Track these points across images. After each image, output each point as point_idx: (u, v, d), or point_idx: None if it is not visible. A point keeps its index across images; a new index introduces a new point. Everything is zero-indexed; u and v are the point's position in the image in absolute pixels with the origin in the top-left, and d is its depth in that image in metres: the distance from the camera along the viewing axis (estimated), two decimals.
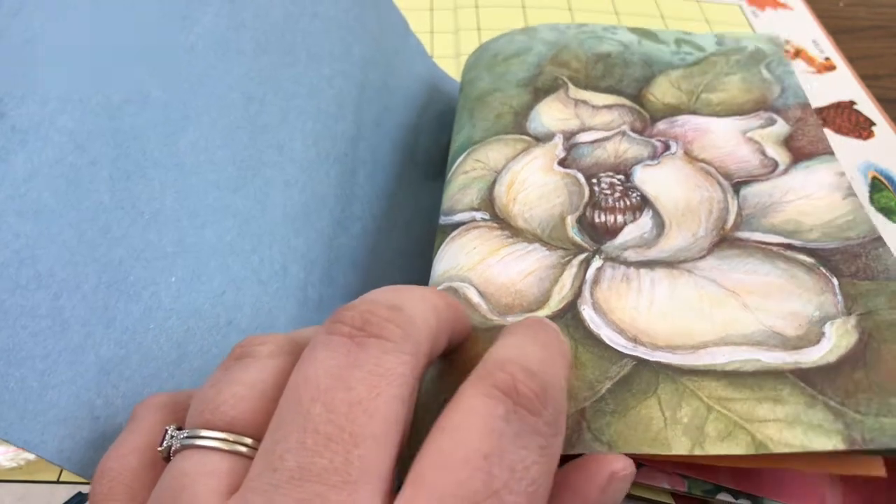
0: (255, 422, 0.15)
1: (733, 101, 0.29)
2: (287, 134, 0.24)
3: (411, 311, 0.16)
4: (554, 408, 0.15)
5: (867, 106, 0.41)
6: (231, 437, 0.15)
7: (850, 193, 0.24)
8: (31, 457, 0.28)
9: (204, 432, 0.15)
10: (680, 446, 0.18)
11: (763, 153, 0.27)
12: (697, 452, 0.18)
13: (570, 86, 0.31)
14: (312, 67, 0.25)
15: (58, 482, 0.27)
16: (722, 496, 0.21)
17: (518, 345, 0.17)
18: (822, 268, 0.22)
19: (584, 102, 0.30)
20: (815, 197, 0.25)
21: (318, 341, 0.15)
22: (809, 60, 0.45)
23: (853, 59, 0.45)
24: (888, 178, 0.35)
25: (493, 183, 0.27)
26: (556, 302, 0.22)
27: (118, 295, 0.19)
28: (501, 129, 0.29)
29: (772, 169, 0.26)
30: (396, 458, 0.14)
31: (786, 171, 0.26)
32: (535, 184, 0.27)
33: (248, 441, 0.15)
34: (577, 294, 0.22)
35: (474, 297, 0.23)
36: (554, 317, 0.22)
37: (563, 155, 0.28)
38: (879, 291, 0.21)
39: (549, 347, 0.17)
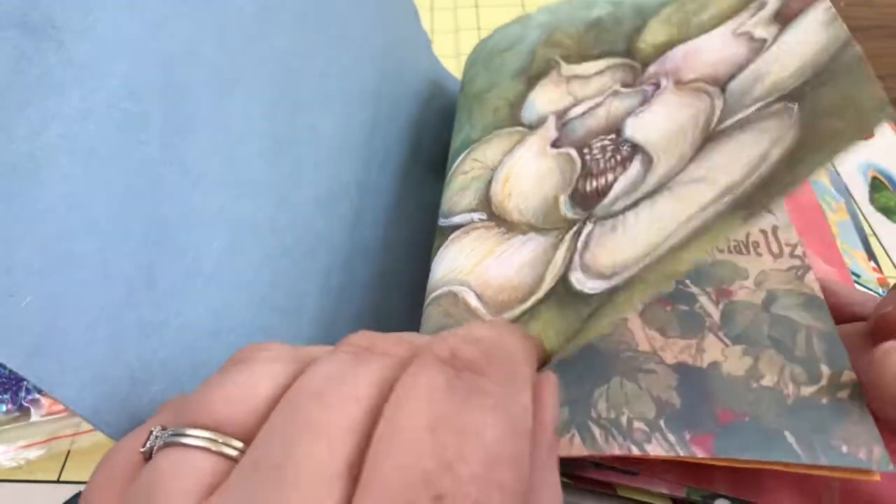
0: (246, 425, 0.14)
1: (724, 9, 0.27)
2: (319, 115, 0.24)
3: (420, 341, 0.15)
4: (503, 366, 0.14)
5: None
6: (219, 437, 0.14)
7: (833, 21, 0.22)
8: (32, 456, 0.27)
9: (190, 430, 0.14)
10: (629, 308, 0.18)
11: (751, 38, 0.25)
12: (643, 300, 0.18)
13: (563, 64, 0.30)
14: (342, 49, 0.26)
15: (58, 482, 0.27)
16: (719, 503, 0.21)
17: (466, 327, 0.16)
18: (788, 102, 0.21)
19: (576, 77, 0.29)
20: (797, 48, 0.23)
21: (323, 357, 0.15)
22: None
23: None
24: (888, 177, 0.36)
25: (490, 181, 0.26)
26: (548, 282, 0.22)
27: (161, 255, 0.18)
28: (498, 124, 0.29)
29: (759, 49, 0.24)
30: None
31: (773, 41, 0.24)
32: (529, 173, 0.26)
33: (238, 444, 0.14)
34: (568, 265, 0.22)
35: (473, 301, 0.22)
36: (546, 297, 0.21)
37: (555, 136, 0.27)
38: (832, 84, 0.20)
39: (502, 327, 0.16)
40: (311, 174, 0.24)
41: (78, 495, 0.27)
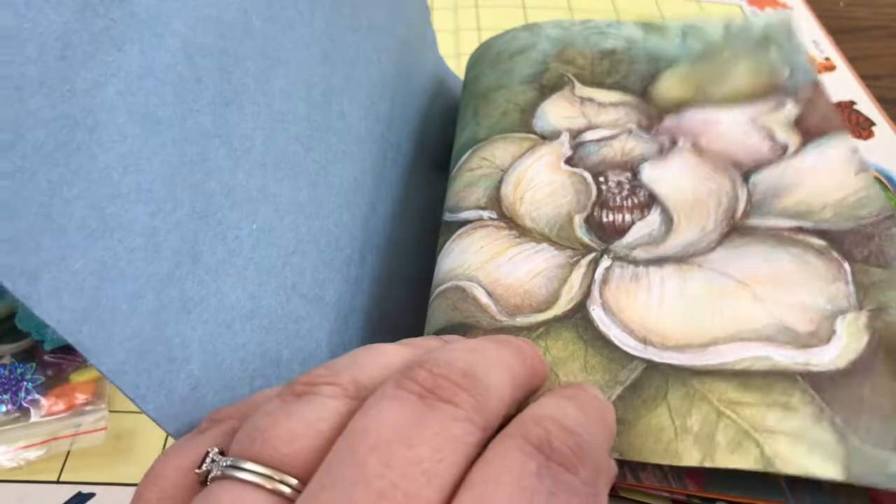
0: (305, 463, 0.14)
1: (741, 91, 0.28)
2: (348, 102, 0.24)
3: (487, 381, 0.15)
4: (593, 466, 0.14)
5: (867, 106, 0.41)
6: (276, 475, 0.13)
7: (863, 169, 0.24)
8: (32, 457, 0.26)
9: (249, 465, 0.14)
10: (690, 458, 0.18)
11: (772, 138, 0.26)
12: (707, 464, 0.18)
13: (576, 83, 0.30)
14: (369, 38, 0.26)
15: (58, 482, 0.26)
16: None
17: (555, 404, 0.16)
18: (833, 251, 0.22)
19: (590, 100, 0.29)
20: (826, 175, 0.24)
21: (386, 393, 0.14)
22: (809, 61, 0.46)
23: (853, 59, 0.45)
24: (888, 178, 0.37)
25: (500, 182, 0.26)
26: (564, 302, 0.22)
27: (206, 229, 0.18)
28: (507, 127, 0.29)
29: (782, 152, 0.25)
30: None
31: (796, 152, 0.25)
32: (542, 182, 0.26)
33: (293, 482, 0.14)
34: (587, 294, 0.22)
35: (483, 298, 0.22)
36: (563, 317, 0.21)
37: (569, 153, 0.27)
38: (892, 282, 0.21)
39: (588, 409, 0.16)
40: (339, 162, 0.24)
41: (78, 495, 0.26)
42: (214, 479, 0.14)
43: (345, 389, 0.15)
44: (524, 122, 0.29)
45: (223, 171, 0.18)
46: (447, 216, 0.26)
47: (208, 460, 0.14)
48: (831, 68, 0.45)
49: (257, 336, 0.20)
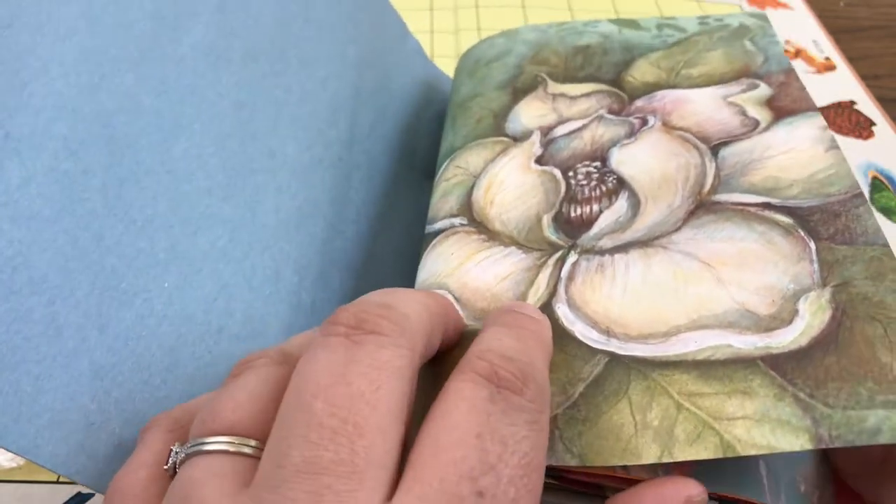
0: (256, 424, 0.15)
1: (714, 72, 0.28)
2: (278, 140, 0.25)
3: (403, 309, 0.16)
4: (535, 386, 0.16)
5: (867, 106, 0.41)
6: (236, 439, 0.15)
7: (833, 146, 0.23)
8: None
9: (208, 439, 0.15)
10: (649, 454, 0.17)
11: (744, 114, 0.26)
12: (666, 460, 0.17)
13: (549, 81, 0.30)
14: (305, 72, 0.26)
15: (58, 482, 0.27)
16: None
17: (494, 336, 0.17)
18: (800, 230, 0.21)
19: (562, 95, 0.29)
20: (796, 151, 0.24)
21: (316, 343, 0.15)
22: (809, 60, 0.45)
23: (853, 59, 0.45)
24: (888, 178, 0.35)
25: (472, 187, 0.26)
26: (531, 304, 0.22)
27: (111, 301, 0.19)
28: (481, 133, 0.29)
29: (752, 128, 0.25)
30: (400, 450, 0.14)
31: (767, 128, 0.25)
32: (512, 184, 0.26)
33: (253, 442, 0.15)
34: (553, 293, 0.22)
35: None
36: None
37: (540, 152, 0.27)
38: (857, 258, 0.20)
39: (523, 334, 0.18)
40: (273, 199, 0.25)
41: (78, 496, 0.28)
42: (181, 462, 0.16)
43: (273, 358, 0.17)
44: (497, 127, 0.29)
45: (122, 245, 0.19)
46: (427, 228, 0.27)
47: (172, 454, 0.16)
48: (831, 68, 0.44)
49: (182, 386, 0.21)
